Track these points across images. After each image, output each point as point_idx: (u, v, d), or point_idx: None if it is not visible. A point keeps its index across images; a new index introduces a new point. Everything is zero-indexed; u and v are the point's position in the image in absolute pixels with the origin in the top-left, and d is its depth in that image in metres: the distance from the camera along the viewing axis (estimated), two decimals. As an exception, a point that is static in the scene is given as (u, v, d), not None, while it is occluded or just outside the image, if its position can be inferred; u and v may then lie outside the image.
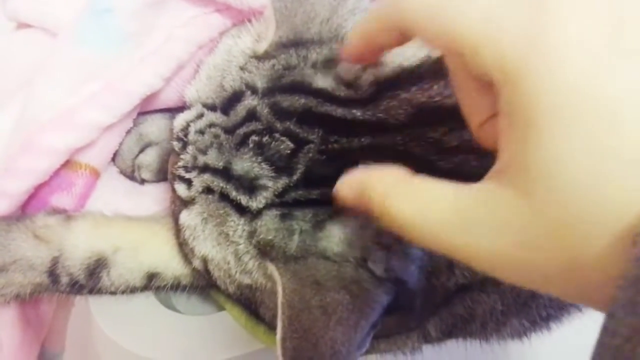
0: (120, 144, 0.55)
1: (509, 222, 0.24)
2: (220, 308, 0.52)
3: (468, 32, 0.25)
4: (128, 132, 0.55)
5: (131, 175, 0.57)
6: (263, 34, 0.44)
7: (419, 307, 0.41)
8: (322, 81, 0.40)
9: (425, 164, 0.38)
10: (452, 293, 0.41)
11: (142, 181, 0.58)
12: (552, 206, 0.22)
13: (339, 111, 0.39)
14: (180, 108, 0.47)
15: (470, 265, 0.26)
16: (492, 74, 0.24)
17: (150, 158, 0.57)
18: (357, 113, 0.39)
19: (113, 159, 0.57)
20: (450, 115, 0.39)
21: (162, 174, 0.57)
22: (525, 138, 0.23)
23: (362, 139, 0.39)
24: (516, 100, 0.23)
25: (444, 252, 0.27)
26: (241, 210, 0.41)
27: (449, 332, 0.46)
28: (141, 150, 0.57)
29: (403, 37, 0.30)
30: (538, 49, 0.22)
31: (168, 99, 0.54)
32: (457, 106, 0.39)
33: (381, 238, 0.38)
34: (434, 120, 0.39)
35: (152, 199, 0.56)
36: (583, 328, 0.49)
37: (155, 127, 0.57)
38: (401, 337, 0.46)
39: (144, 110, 0.56)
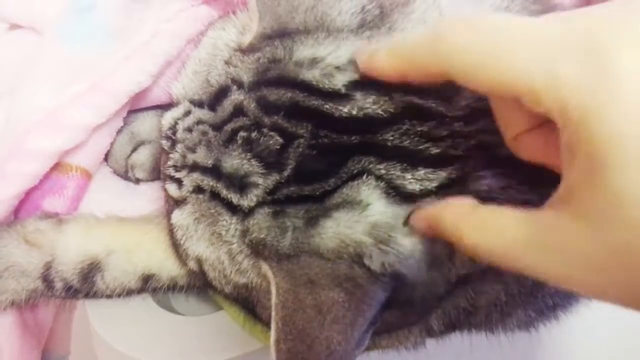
0: (112, 143, 0.54)
1: (577, 248, 0.26)
2: (219, 307, 0.52)
3: (527, 81, 0.27)
4: (119, 131, 0.54)
5: (125, 175, 0.57)
6: (247, 26, 0.42)
7: (420, 300, 0.39)
8: (307, 73, 0.39)
9: (414, 153, 0.37)
10: (454, 284, 0.40)
11: (137, 180, 0.57)
12: (620, 234, 0.24)
13: (326, 107, 0.38)
14: (171, 105, 0.46)
15: (546, 282, 0.29)
16: (552, 115, 0.27)
17: (143, 157, 0.56)
18: (344, 110, 0.38)
19: (106, 160, 0.56)
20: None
21: (157, 173, 0.56)
22: (590, 172, 0.25)
23: (353, 137, 0.38)
24: (579, 140, 0.25)
25: (519, 271, 0.29)
26: (232, 209, 0.40)
27: (452, 325, 0.45)
28: (134, 150, 0.56)
29: (439, 80, 0.31)
30: (600, 97, 0.25)
31: (159, 96, 0.53)
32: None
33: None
34: (422, 113, 0.37)
35: (147, 198, 0.55)
36: (593, 320, 0.48)
37: (147, 125, 0.56)
38: (403, 332, 0.45)
39: (135, 108, 0.54)
